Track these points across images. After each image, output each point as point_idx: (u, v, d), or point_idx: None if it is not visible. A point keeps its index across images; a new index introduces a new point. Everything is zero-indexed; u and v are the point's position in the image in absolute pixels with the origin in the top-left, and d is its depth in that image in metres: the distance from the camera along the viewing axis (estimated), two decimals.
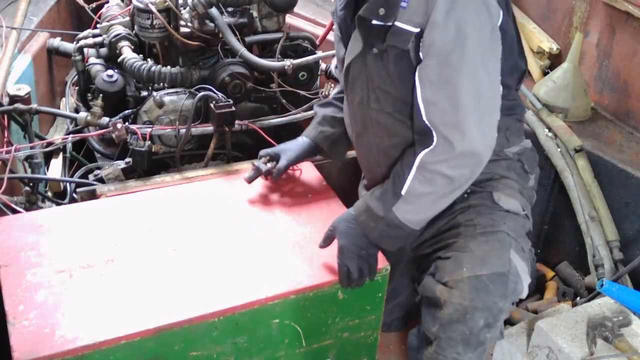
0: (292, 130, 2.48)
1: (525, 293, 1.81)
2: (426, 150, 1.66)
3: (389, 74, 1.71)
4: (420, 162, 1.67)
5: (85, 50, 2.71)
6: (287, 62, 2.48)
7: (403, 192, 1.70)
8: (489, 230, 1.77)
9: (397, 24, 1.63)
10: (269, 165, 2.04)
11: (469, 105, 1.60)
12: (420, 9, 1.59)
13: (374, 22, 1.67)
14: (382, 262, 1.83)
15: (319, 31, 2.96)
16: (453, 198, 1.75)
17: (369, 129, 1.83)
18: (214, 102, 2.23)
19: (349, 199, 2.07)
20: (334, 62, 2.16)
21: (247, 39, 2.59)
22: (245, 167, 2.23)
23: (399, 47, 1.64)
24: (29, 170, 2.37)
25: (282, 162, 2.04)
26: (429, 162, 1.66)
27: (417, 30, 1.61)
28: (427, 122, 1.64)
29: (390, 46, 1.66)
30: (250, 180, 2.04)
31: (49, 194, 2.45)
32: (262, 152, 2.08)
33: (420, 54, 1.62)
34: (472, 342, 1.76)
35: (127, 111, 2.47)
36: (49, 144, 2.45)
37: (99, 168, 2.35)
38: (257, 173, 2.04)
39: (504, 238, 1.76)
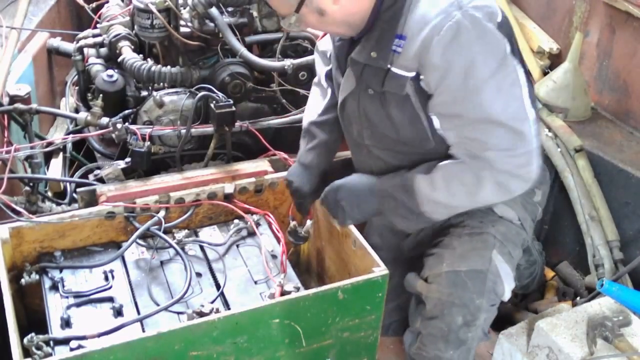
0: (292, 130, 2.48)
1: (506, 296, 1.81)
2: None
3: (389, 117, 1.71)
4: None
5: (85, 50, 2.70)
6: (287, 62, 2.48)
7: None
8: (475, 232, 1.79)
9: (393, 69, 1.63)
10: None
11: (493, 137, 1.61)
12: (413, 54, 1.59)
13: (369, 63, 1.68)
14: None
15: (319, 31, 2.95)
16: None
17: (367, 158, 1.85)
18: (214, 102, 2.22)
19: None
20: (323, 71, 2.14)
21: (247, 39, 2.58)
22: (246, 167, 2.23)
23: (397, 93, 1.65)
24: (29, 170, 2.37)
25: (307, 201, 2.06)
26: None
27: (411, 74, 1.61)
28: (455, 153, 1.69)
29: (389, 92, 1.67)
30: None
31: (49, 194, 2.45)
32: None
33: (429, 92, 1.63)
34: (452, 339, 1.77)
35: (127, 111, 2.46)
36: (49, 144, 2.45)
37: (99, 168, 2.34)
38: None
39: (488, 239, 1.78)
